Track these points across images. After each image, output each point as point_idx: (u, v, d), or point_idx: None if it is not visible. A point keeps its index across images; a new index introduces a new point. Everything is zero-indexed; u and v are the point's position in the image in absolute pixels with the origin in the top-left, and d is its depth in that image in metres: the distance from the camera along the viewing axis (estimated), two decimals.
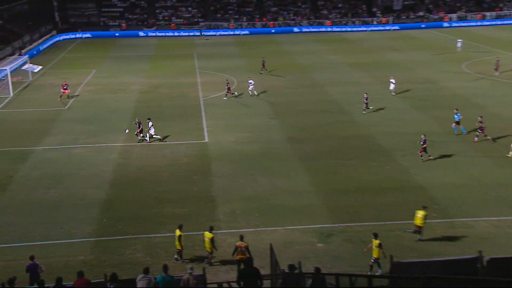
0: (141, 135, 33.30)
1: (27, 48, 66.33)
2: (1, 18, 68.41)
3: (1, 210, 24.60)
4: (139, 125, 33.27)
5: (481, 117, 32.02)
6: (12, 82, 47.39)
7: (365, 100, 38.15)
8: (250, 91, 43.68)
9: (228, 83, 44.02)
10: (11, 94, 45.85)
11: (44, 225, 23.07)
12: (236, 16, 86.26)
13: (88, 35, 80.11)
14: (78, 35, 79.82)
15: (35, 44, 69.95)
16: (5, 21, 69.11)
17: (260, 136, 33.97)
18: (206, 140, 33.48)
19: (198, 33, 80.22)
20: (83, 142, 33.48)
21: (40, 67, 57.75)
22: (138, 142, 33.03)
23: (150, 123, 33.36)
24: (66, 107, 41.47)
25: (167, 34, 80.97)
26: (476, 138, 31.85)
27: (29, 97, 45.52)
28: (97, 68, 56.91)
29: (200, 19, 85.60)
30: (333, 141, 32.68)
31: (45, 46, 70.86)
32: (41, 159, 30.83)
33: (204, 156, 30.79)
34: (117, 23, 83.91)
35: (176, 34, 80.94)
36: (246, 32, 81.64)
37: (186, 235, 20.26)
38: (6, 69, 48.16)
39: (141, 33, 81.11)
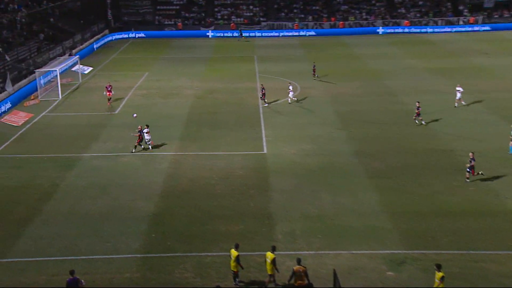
0: (141, 145, 33.74)
1: (78, 48, 68.79)
2: (52, 16, 71.30)
3: (45, 221, 25.44)
4: (140, 133, 33.65)
5: None
6: (61, 84, 49.19)
7: (416, 109, 37.59)
8: (289, 99, 44.00)
9: (263, 88, 44.02)
10: (60, 96, 47.58)
11: (89, 238, 23.72)
12: (302, 16, 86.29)
13: (141, 34, 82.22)
14: (131, 35, 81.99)
15: (86, 43, 72.47)
16: (56, 19, 71.95)
17: (324, 149, 33.91)
18: (265, 151, 33.72)
19: (251, 34, 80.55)
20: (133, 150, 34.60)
21: (91, 68, 60.14)
22: (135, 152, 33.40)
23: (146, 130, 33.86)
24: (116, 112, 43.00)
25: (226, 34, 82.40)
26: None
27: (78, 100, 47.13)
28: (149, 71, 58.28)
29: (262, 19, 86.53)
30: (406, 156, 32.17)
31: (96, 46, 73.35)
32: (88, 167, 31.79)
33: (262, 168, 30.98)
34: (172, 22, 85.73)
35: (235, 34, 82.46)
36: (312, 33, 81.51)
37: (240, 255, 20.15)
38: (55, 70, 50.49)
39: (198, 33, 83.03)
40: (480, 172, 28.17)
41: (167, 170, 30.99)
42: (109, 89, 44.98)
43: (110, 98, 44.85)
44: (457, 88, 41.96)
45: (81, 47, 70.32)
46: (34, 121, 41.35)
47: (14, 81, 48.75)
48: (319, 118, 40.13)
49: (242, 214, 25.50)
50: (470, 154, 28.18)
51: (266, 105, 43.33)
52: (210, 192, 28.02)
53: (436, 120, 38.47)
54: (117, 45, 76.74)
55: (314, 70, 52.84)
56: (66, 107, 45.18)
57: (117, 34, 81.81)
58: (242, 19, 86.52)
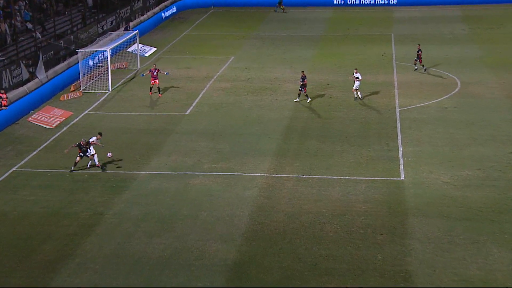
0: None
1: (137, 20, 71.32)
2: None
3: (82, 265, 25.97)
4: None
5: None
6: (112, 71, 51.18)
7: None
8: (354, 91, 45.93)
9: (304, 77, 45.22)
10: (110, 88, 49.38)
11: None
12: None
13: (228, 1, 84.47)
14: (210, 3, 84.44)
15: (149, 14, 74.92)
16: None
17: (496, 178, 33.40)
18: (402, 177, 33.68)
19: (386, 2, 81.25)
20: (207, 169, 35.19)
21: (154, 49, 62.48)
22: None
23: (94, 138, 35.57)
24: (187, 112, 44.18)
25: (350, 1, 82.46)
26: None
27: (134, 94, 48.81)
28: (236, 54, 59.85)
29: None
30: None
31: (163, 17, 76.11)
32: (145, 190, 32.72)
33: (398, 203, 30.82)
34: None
35: (364, 1, 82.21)
36: None
37: None
38: (105, 51, 52.40)
39: (307, 0, 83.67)
40: None
41: (256, 200, 31.41)
42: (155, 74, 47.18)
43: (158, 88, 47.48)
44: None
45: (141, 18, 72.82)
46: (73, 122, 43.04)
47: (48, 65, 50.66)
48: (488, 131, 39.61)
49: (364, 272, 25.12)
50: None
51: (309, 100, 45.43)
52: (317, 234, 28.03)
53: None
54: (191, 16, 79.23)
55: (419, 57, 52.28)
56: (117, 104, 46.85)
57: (193, 1, 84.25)
58: None
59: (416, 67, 52.39)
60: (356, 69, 46.09)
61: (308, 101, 45.32)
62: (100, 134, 36.53)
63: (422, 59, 51.66)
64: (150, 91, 47.98)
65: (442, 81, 49.95)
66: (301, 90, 45.50)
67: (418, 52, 51.83)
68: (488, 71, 52.03)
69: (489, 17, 72.87)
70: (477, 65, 53.65)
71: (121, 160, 36.40)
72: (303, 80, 45.25)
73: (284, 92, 48.33)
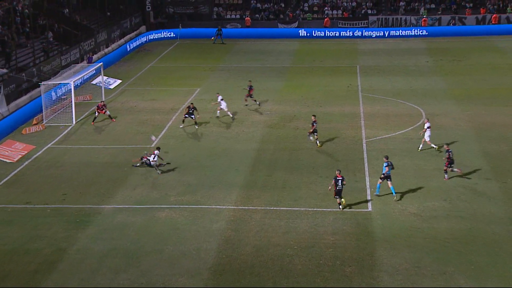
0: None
1: (102, 53, 71.57)
2: (67, 6, 72.93)
3: None
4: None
5: None
6: (76, 104, 50.59)
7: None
8: (219, 110, 49.21)
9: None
10: (74, 121, 49.11)
11: None
12: (432, 6, 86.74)
13: (192, 33, 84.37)
14: (175, 35, 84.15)
15: (113, 46, 75.10)
16: (72, 9, 73.68)
17: (462, 209, 33.52)
18: (370, 208, 33.75)
19: (352, 32, 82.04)
20: (174, 201, 34.99)
21: (119, 81, 61.98)
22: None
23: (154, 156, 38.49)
24: (153, 145, 43.79)
25: (316, 34, 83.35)
26: None
27: (98, 127, 48.62)
28: (202, 86, 60.10)
29: (370, 11, 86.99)
30: None
31: (128, 49, 76.10)
32: (110, 224, 32.38)
33: (366, 235, 30.83)
34: (238, 16, 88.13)
35: (330, 33, 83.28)
36: (447, 30, 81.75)
37: None
38: (69, 84, 51.45)
39: (273, 33, 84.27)
40: None
41: (223, 232, 31.25)
42: (102, 108, 49.01)
43: (97, 117, 48.90)
44: None
45: (106, 51, 73.17)
46: (35, 156, 42.46)
47: (10, 98, 50.57)
48: (455, 161, 39.35)
49: None
50: None
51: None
52: (285, 267, 27.87)
53: None
54: (157, 48, 79.33)
55: (250, 92, 52.57)
56: (81, 137, 46.51)
57: (158, 33, 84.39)
58: (339, 12, 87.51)
59: (246, 103, 52.38)
60: (218, 93, 49.45)
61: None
62: (158, 148, 39.06)
63: (252, 95, 52.17)
64: (93, 121, 48.70)
65: (407, 112, 50.12)
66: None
67: (249, 88, 51.93)
68: (453, 103, 52.39)
69: (452, 49, 73.64)
70: (441, 97, 54.14)
71: (85, 194, 36.10)
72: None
73: (251, 123, 48.33)
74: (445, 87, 57.48)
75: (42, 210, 34.18)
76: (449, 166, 36.91)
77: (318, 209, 33.56)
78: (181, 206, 34.36)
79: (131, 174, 39.04)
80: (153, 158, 38.71)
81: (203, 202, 34.85)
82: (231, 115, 48.90)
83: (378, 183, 35.35)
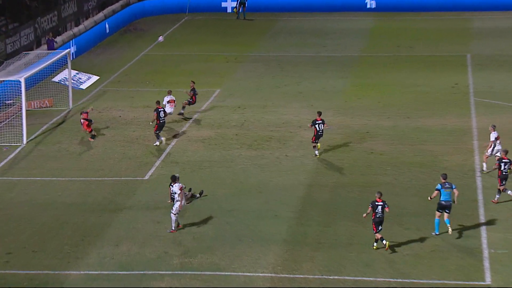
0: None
1: (69, 34, 72.66)
2: None
3: None
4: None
5: None
6: (28, 113, 50.73)
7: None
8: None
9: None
10: (25, 140, 49.12)
11: None
12: None
13: (206, 5, 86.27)
14: (183, 7, 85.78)
15: (86, 24, 76.55)
16: None
17: None
18: (488, 281, 33.01)
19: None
20: (178, 265, 34.49)
21: (95, 78, 61.94)
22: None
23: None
24: (147, 177, 43.74)
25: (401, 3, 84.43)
26: None
27: (63, 148, 48.87)
28: (223, 85, 61.00)
29: None
30: None
31: (109, 29, 77.52)
32: None
33: None
34: None
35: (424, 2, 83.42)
36: None
37: None
38: (17, 81, 51.17)
39: (335, 4, 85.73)
40: None
41: None
42: (87, 119, 49.57)
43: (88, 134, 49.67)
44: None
45: (75, 31, 73.79)
46: None
47: None
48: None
49: None
50: None
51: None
52: None
53: None
54: (155, 27, 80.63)
55: (192, 98, 54.66)
56: (36, 164, 46.53)
57: (155, 4, 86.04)
58: None
59: (182, 112, 54.42)
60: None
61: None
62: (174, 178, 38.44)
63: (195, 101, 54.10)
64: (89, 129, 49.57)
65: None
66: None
67: (192, 92, 54.14)
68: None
69: None
70: None
71: (40, 253, 35.39)
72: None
73: (299, 143, 48.51)
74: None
75: None
76: (501, 184, 38.58)
77: (404, 280, 33.03)
78: (189, 272, 33.58)
79: (112, 223, 38.43)
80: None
81: (223, 266, 33.99)
82: None
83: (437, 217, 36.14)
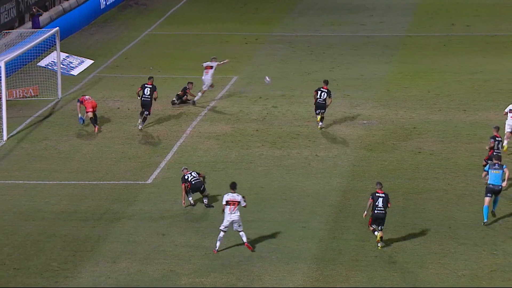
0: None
1: (57, 9, 73.53)
2: None
3: None
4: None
5: None
6: (9, 103, 51.39)
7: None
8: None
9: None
10: (5, 136, 49.60)
11: None
12: None
13: None
14: None
15: None
16: None
17: None
18: None
19: None
20: (187, 285, 34.64)
21: (89, 62, 62.48)
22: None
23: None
24: (150, 180, 43.88)
25: None
26: None
27: (51, 145, 49.52)
28: (242, 72, 61.33)
29: None
30: None
31: (105, 4, 78.51)
32: None
33: None
34: None
35: None
36: None
37: None
38: None
39: None
40: None
41: None
42: (88, 103, 50.58)
43: (87, 118, 50.28)
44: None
45: (65, 5, 73.93)
46: None
47: None
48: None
49: None
50: None
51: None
52: None
53: None
54: (158, 0, 79.54)
55: (186, 91, 56.88)
56: (18, 165, 46.90)
57: None
58: None
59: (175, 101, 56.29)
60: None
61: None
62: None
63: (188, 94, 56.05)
64: (95, 128, 50.85)
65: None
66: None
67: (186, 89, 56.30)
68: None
69: None
70: None
71: (23, 270, 35.27)
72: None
73: (332, 140, 49.21)
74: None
75: None
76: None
77: None
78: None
79: (109, 234, 38.15)
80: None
81: (242, 286, 34.11)
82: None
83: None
